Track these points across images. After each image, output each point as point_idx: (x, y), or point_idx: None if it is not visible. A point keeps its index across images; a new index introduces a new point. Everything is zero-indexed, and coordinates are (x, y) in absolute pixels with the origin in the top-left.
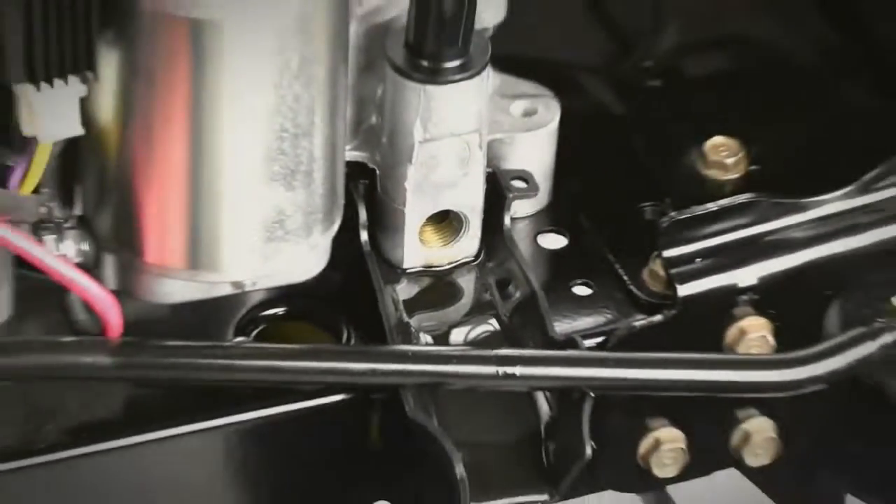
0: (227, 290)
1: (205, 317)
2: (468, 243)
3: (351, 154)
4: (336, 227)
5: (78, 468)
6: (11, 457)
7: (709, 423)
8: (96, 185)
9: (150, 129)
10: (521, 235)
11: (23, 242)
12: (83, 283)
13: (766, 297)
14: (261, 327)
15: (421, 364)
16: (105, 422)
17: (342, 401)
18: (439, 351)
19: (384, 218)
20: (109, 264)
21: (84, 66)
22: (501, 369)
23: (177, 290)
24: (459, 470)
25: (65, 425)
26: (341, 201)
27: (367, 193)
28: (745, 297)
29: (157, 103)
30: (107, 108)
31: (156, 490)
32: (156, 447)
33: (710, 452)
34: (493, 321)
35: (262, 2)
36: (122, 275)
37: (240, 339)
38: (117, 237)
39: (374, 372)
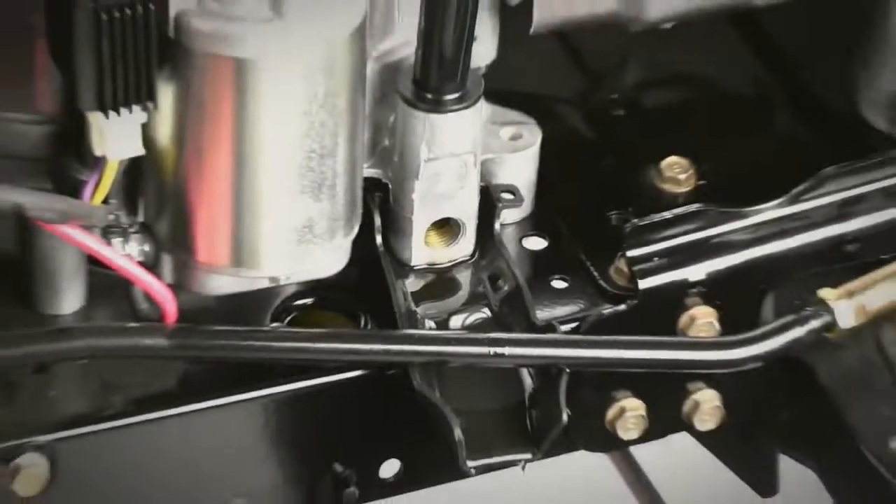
0: (264, 284)
1: (246, 306)
2: (465, 245)
3: (368, 171)
4: (355, 231)
5: (139, 433)
6: (85, 423)
7: (665, 394)
8: (156, 197)
9: (201, 149)
10: (508, 238)
11: (95, 244)
12: (145, 278)
13: (713, 290)
14: (292, 315)
15: (426, 345)
16: (162, 393)
17: (360, 376)
18: (441, 334)
19: (395, 224)
20: (167, 262)
21: (145, 97)
22: (492, 350)
23: (223, 284)
24: (458, 433)
25: (129, 397)
26: (360, 210)
27: (381, 204)
28: (694, 290)
29: (206, 128)
30: (164, 132)
31: (204, 451)
32: (205, 415)
33: (665, 418)
34: (486, 310)
35: (295, 44)
36: (178, 271)
37: (275, 324)
38: (173, 240)
39: (387, 352)
